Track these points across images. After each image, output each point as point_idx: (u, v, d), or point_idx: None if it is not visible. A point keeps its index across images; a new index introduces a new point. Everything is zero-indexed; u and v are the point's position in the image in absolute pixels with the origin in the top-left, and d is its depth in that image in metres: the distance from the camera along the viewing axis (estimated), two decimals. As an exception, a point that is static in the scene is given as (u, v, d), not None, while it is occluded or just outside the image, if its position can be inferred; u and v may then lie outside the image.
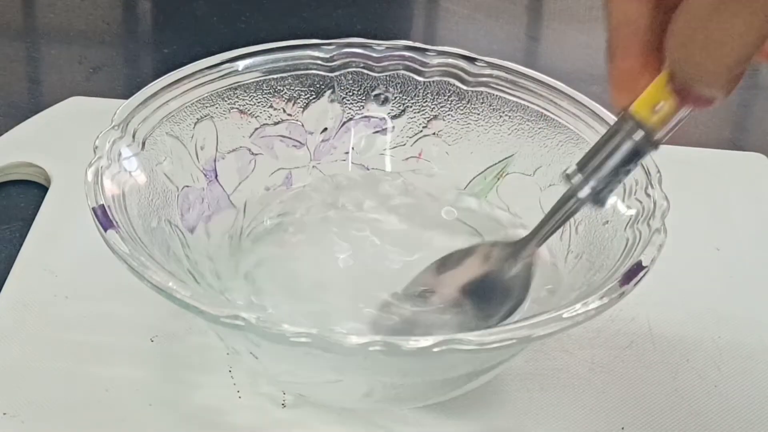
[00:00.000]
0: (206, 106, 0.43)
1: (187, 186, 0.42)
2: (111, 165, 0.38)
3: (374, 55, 0.46)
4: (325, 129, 0.46)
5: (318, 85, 0.46)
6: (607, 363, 0.43)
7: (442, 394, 0.39)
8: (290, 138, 0.46)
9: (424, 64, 0.46)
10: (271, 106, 0.45)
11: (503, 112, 0.45)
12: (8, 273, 0.45)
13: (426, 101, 0.46)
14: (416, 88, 0.46)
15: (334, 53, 0.46)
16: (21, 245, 0.47)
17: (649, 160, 0.40)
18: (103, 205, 0.36)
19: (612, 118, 0.42)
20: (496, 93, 0.45)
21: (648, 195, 0.39)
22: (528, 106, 0.45)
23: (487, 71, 0.45)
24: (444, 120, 0.46)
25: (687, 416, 0.41)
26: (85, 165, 0.38)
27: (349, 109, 0.47)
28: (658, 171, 0.40)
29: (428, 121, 0.47)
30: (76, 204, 0.41)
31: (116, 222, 0.36)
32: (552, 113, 0.44)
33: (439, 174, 0.47)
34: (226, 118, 0.44)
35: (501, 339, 0.32)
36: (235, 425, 0.39)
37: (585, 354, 0.43)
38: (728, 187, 0.54)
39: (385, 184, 0.47)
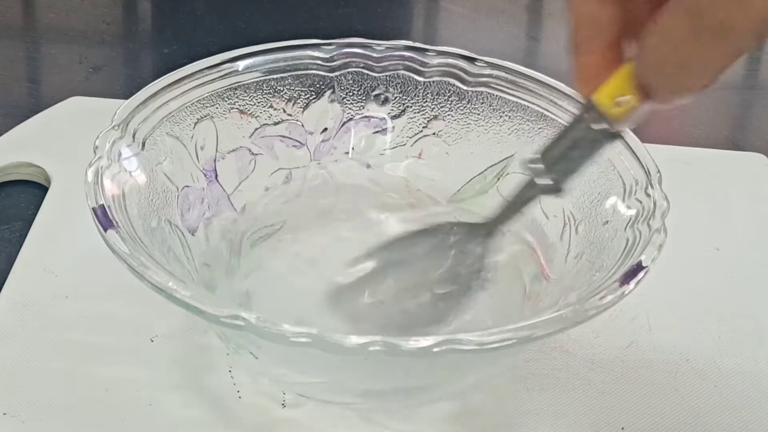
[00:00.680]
0: (206, 106, 0.43)
1: (187, 186, 0.42)
2: (111, 165, 0.38)
3: (374, 55, 0.46)
4: (325, 129, 0.46)
5: (318, 85, 0.46)
6: (607, 363, 0.43)
7: (442, 393, 0.39)
8: (290, 138, 0.46)
9: (424, 64, 0.46)
10: (271, 106, 0.45)
11: (503, 112, 0.45)
12: (8, 273, 0.45)
13: (426, 101, 0.46)
14: (416, 88, 0.46)
15: (334, 53, 0.46)
16: (21, 245, 0.47)
17: (649, 160, 0.41)
18: (103, 205, 0.36)
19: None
20: (496, 93, 0.45)
21: (648, 195, 0.39)
22: (528, 106, 0.45)
23: (487, 71, 0.45)
24: (444, 120, 0.46)
25: (687, 416, 0.41)
26: (85, 165, 0.38)
27: (349, 109, 0.47)
28: (658, 171, 0.40)
29: (428, 121, 0.47)
30: (76, 204, 0.41)
31: (116, 222, 0.36)
32: (552, 113, 0.44)
33: (439, 174, 0.47)
34: (226, 118, 0.44)
35: (501, 339, 0.32)
36: (235, 425, 0.39)
37: (585, 354, 0.43)
38: (728, 187, 0.54)
39: (385, 185, 0.47)
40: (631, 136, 0.41)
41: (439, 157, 0.47)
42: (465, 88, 0.46)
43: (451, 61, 0.46)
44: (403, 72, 0.46)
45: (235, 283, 0.42)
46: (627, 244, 0.38)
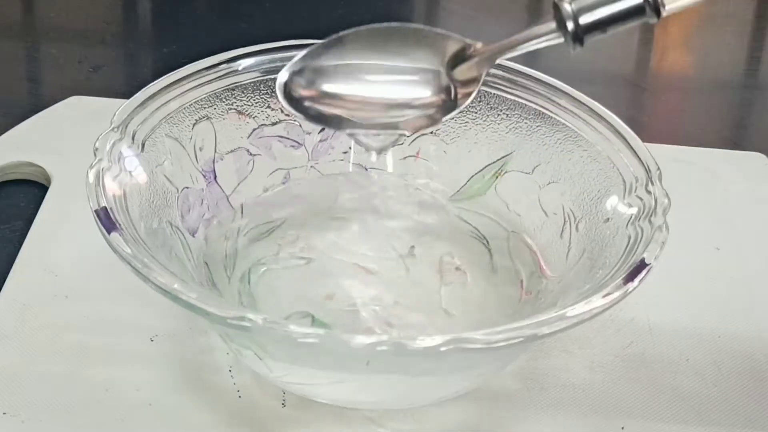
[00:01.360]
0: (204, 107, 0.43)
1: (187, 187, 0.42)
2: (112, 167, 0.38)
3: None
4: (323, 129, 0.46)
5: (316, 85, 0.46)
6: (607, 363, 0.43)
7: (443, 394, 0.39)
8: (288, 138, 0.46)
9: (421, 63, 0.46)
10: (268, 107, 0.45)
11: (501, 111, 0.45)
12: (8, 273, 0.45)
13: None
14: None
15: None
16: (21, 245, 0.47)
17: (649, 157, 0.41)
18: (105, 207, 0.36)
19: (612, 117, 0.43)
20: (493, 91, 0.45)
21: (649, 192, 0.39)
22: (526, 105, 0.45)
23: (485, 70, 0.45)
24: (442, 119, 0.46)
25: (687, 416, 0.41)
26: (86, 164, 0.38)
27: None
28: (658, 168, 0.40)
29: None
30: (76, 204, 0.41)
31: (119, 224, 0.36)
32: (550, 111, 0.44)
33: (438, 173, 0.47)
34: (224, 118, 0.44)
35: (508, 338, 0.32)
36: (235, 425, 0.39)
37: (585, 353, 0.43)
38: (728, 187, 0.54)
39: (383, 184, 0.47)
40: (630, 134, 0.42)
41: (437, 156, 0.47)
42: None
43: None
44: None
45: (234, 283, 0.42)
46: (629, 241, 0.38)
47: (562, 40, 0.34)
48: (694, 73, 0.72)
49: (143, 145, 0.41)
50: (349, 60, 0.39)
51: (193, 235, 0.42)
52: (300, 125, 0.46)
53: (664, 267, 0.37)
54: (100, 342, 0.42)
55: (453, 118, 0.46)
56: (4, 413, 0.39)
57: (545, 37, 0.34)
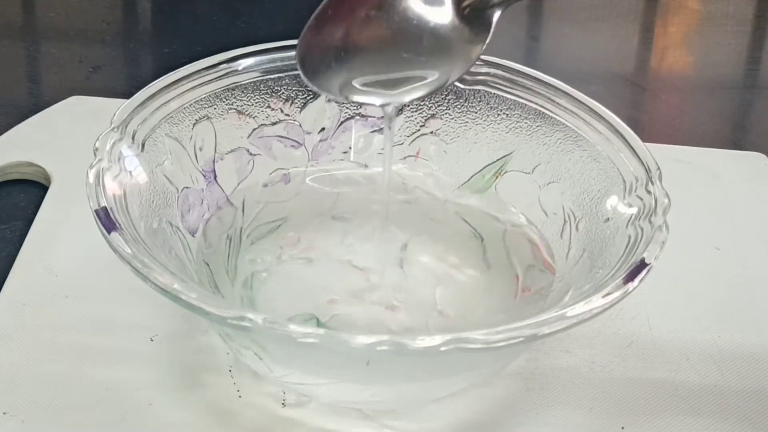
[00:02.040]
0: (204, 107, 0.43)
1: (187, 187, 0.42)
2: (112, 167, 0.38)
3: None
4: (323, 129, 0.46)
5: (315, 85, 0.46)
6: (607, 362, 0.43)
7: (443, 393, 0.39)
8: (288, 138, 0.46)
9: (421, 63, 0.46)
10: (268, 107, 0.45)
11: (501, 111, 0.45)
12: (8, 273, 0.45)
13: (423, 100, 0.46)
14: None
15: (332, 53, 0.46)
16: (21, 245, 0.47)
17: (649, 157, 0.41)
18: (105, 207, 0.36)
19: (612, 117, 0.43)
20: (493, 91, 0.45)
21: (649, 192, 0.39)
22: (526, 104, 0.45)
23: (484, 69, 0.45)
24: (441, 119, 0.46)
25: (687, 416, 0.41)
26: (86, 164, 0.38)
27: (347, 108, 0.47)
28: (658, 168, 0.40)
29: (426, 119, 0.47)
30: (76, 204, 0.41)
31: (119, 224, 0.36)
32: (550, 111, 0.44)
33: (438, 173, 0.47)
34: (224, 118, 0.44)
35: (508, 338, 0.32)
36: (235, 424, 0.39)
37: (585, 353, 0.43)
38: (728, 187, 0.54)
39: (384, 184, 0.46)
40: (630, 134, 0.42)
41: (437, 156, 0.47)
42: (462, 86, 0.46)
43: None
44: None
45: (234, 283, 0.42)
46: (629, 241, 0.38)
47: None
48: (694, 73, 0.72)
49: (143, 145, 0.41)
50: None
51: (193, 235, 0.42)
52: (300, 125, 0.46)
53: (664, 267, 0.37)
54: (100, 342, 0.42)
55: (453, 118, 0.46)
56: (4, 413, 0.39)
57: None
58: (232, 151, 0.44)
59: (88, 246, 0.42)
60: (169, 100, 0.42)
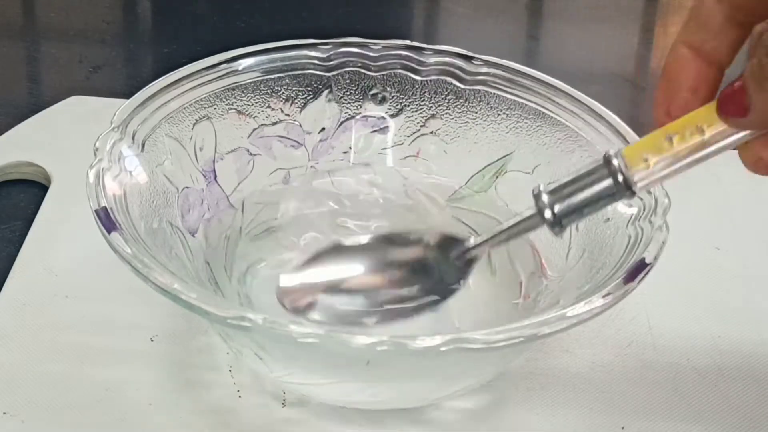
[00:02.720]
0: (204, 107, 0.43)
1: (187, 187, 0.42)
2: (112, 167, 0.38)
3: (371, 54, 0.46)
4: (323, 129, 0.46)
5: (315, 85, 0.46)
6: (607, 362, 0.43)
7: (444, 393, 0.39)
8: (288, 138, 0.46)
9: (421, 63, 0.46)
10: (268, 107, 0.45)
11: (501, 111, 0.45)
12: (8, 273, 0.45)
13: (423, 100, 0.46)
14: (413, 86, 0.46)
15: (331, 53, 0.46)
16: (21, 245, 0.47)
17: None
18: (105, 207, 0.36)
19: (612, 117, 0.43)
20: (493, 91, 0.45)
21: (649, 192, 0.39)
22: (526, 104, 0.45)
23: (484, 69, 0.45)
24: (442, 119, 0.46)
25: (687, 416, 0.41)
26: (86, 164, 0.38)
27: (347, 108, 0.47)
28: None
29: (426, 119, 0.47)
30: (76, 203, 0.41)
31: (119, 224, 0.36)
32: (550, 111, 0.44)
33: (438, 173, 0.47)
34: (224, 118, 0.44)
35: (507, 338, 0.32)
36: (235, 424, 0.39)
37: (585, 353, 0.43)
38: (728, 187, 0.54)
39: (383, 184, 0.47)
40: (630, 134, 0.42)
41: (438, 156, 0.47)
42: (462, 86, 0.46)
43: (448, 59, 0.46)
44: (400, 71, 0.46)
45: (234, 282, 0.42)
46: (629, 241, 0.38)
47: (545, 226, 0.35)
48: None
49: (143, 145, 0.41)
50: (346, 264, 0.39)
51: (193, 235, 0.42)
52: (300, 125, 0.46)
53: (664, 267, 0.37)
54: (100, 342, 0.42)
55: (453, 118, 0.46)
56: (4, 413, 0.39)
57: (531, 227, 0.35)
58: (232, 151, 0.44)
59: (88, 246, 0.42)
60: (169, 100, 0.42)
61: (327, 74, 0.46)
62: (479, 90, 0.46)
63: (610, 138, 0.42)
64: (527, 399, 0.41)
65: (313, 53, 0.46)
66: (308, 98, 0.46)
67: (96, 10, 0.73)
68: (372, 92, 0.47)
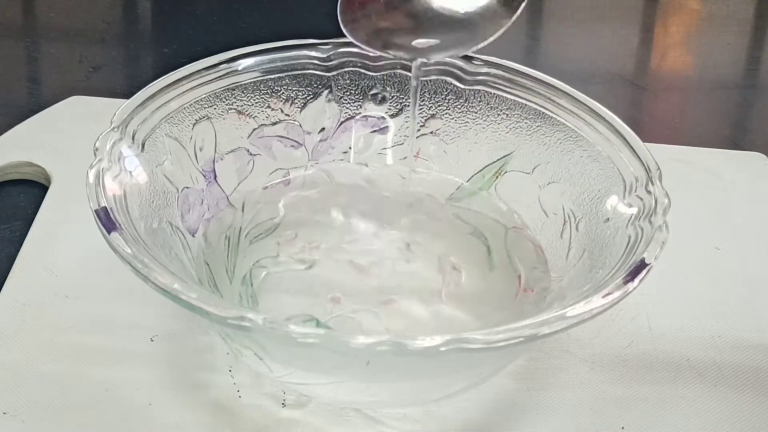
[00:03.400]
0: (204, 107, 0.43)
1: (187, 187, 0.42)
2: (112, 167, 0.38)
3: (371, 54, 0.46)
4: (323, 129, 0.46)
5: (315, 85, 0.46)
6: (607, 362, 0.43)
7: (444, 393, 0.39)
8: (288, 138, 0.46)
9: (420, 63, 0.46)
10: (268, 107, 0.45)
11: (501, 111, 0.45)
12: (8, 273, 0.45)
13: (423, 100, 0.46)
14: (413, 86, 0.46)
15: (331, 53, 0.46)
16: (21, 245, 0.47)
17: (649, 157, 0.41)
18: (105, 207, 0.36)
19: (612, 117, 0.43)
20: (493, 91, 0.45)
21: (649, 192, 0.39)
22: (526, 104, 0.45)
23: (484, 69, 0.45)
24: (441, 119, 0.47)
25: (687, 416, 0.41)
26: (86, 164, 0.38)
27: (347, 108, 0.47)
28: (658, 168, 0.40)
29: (426, 119, 0.47)
30: (76, 203, 0.41)
31: (119, 224, 0.36)
32: (550, 111, 0.44)
33: (438, 173, 0.47)
34: (224, 118, 0.44)
35: (508, 338, 0.32)
36: (235, 425, 0.39)
37: (585, 353, 0.43)
38: (728, 187, 0.54)
39: (383, 184, 0.47)
40: (630, 134, 0.42)
41: (437, 156, 0.47)
42: (462, 86, 0.46)
43: (447, 59, 0.46)
44: (399, 71, 0.46)
45: (234, 283, 0.42)
46: (629, 241, 0.38)
47: None
48: (694, 73, 0.72)
49: (143, 145, 0.41)
50: None
51: (193, 235, 0.42)
52: (300, 125, 0.46)
53: (664, 267, 0.37)
54: (100, 342, 0.42)
55: (453, 118, 0.46)
56: (4, 413, 0.39)
57: None
58: (232, 151, 0.44)
59: (88, 246, 0.42)
60: (169, 100, 0.42)
61: (327, 74, 0.46)
62: (479, 90, 0.46)
63: (610, 138, 0.42)
64: (527, 399, 0.41)
65: (313, 53, 0.46)
66: (308, 98, 0.46)
67: (96, 10, 0.73)
68: (372, 92, 0.47)
